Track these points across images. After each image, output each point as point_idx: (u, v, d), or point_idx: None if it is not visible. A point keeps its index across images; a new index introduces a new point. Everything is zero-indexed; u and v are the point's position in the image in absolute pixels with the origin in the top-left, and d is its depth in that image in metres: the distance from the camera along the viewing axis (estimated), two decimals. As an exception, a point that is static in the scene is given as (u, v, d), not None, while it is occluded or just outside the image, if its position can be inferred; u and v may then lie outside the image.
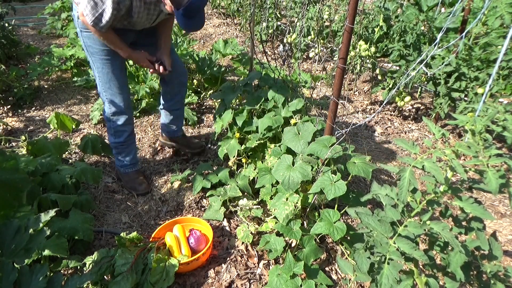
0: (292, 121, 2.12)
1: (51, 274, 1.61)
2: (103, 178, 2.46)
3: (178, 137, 2.66)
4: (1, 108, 3.29)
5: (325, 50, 4.12)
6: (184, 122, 2.75)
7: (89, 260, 1.65)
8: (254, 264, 1.88)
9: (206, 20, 6.03)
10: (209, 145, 2.81)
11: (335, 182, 1.65)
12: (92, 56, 1.98)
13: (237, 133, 2.31)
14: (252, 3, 2.78)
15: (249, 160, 2.33)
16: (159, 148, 2.82)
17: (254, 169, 2.22)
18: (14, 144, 2.76)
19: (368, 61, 3.31)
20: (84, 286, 1.50)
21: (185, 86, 2.49)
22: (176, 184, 2.42)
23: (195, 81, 3.48)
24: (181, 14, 1.68)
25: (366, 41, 3.33)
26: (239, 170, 2.37)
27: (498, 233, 2.09)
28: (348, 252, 1.82)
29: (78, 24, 1.89)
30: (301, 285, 1.60)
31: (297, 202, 1.81)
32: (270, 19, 4.61)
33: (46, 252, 1.50)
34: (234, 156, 2.28)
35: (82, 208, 2.02)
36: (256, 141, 2.21)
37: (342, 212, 1.74)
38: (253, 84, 2.54)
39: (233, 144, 2.29)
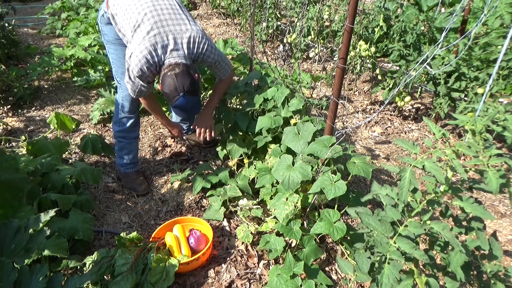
0: (292, 121, 2.12)
1: (51, 274, 1.61)
2: (103, 178, 2.46)
3: (191, 133, 2.79)
4: (1, 108, 3.29)
5: (325, 50, 4.12)
6: None
7: (89, 260, 1.65)
8: (254, 264, 1.88)
9: (206, 20, 6.03)
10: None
11: (335, 182, 1.64)
12: (108, 44, 2.16)
13: (240, 134, 2.31)
14: (252, 3, 2.78)
15: (250, 160, 2.33)
16: (159, 148, 2.82)
17: (254, 169, 2.22)
18: (14, 144, 2.75)
19: (368, 61, 3.31)
20: (84, 286, 1.50)
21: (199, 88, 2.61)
22: (176, 184, 2.42)
23: (195, 81, 3.48)
24: (172, 106, 1.95)
25: (366, 41, 3.33)
26: (239, 170, 2.37)
27: (498, 233, 2.09)
28: (348, 252, 1.82)
29: (101, 20, 2.12)
30: (301, 285, 1.60)
31: (297, 202, 1.81)
32: (270, 19, 4.61)
33: (46, 252, 1.50)
34: (237, 158, 2.28)
35: (82, 208, 2.02)
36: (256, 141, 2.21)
37: (342, 212, 1.74)
38: (253, 84, 2.54)
39: (236, 146, 2.29)
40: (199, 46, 1.94)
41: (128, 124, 2.26)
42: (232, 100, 2.87)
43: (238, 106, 2.86)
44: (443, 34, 1.34)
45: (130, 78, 1.93)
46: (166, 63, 1.87)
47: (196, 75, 1.93)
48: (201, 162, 2.63)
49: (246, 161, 2.31)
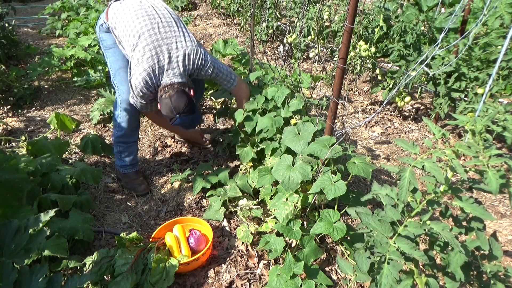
0: (292, 121, 2.12)
1: (51, 274, 1.61)
2: (103, 178, 2.46)
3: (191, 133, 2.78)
4: (1, 108, 3.29)
5: (325, 50, 4.12)
6: None
7: (89, 260, 1.65)
8: (254, 264, 1.88)
9: (206, 20, 6.03)
10: (210, 146, 2.81)
11: (335, 182, 1.64)
12: (106, 49, 2.18)
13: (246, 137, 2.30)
14: (252, 3, 2.78)
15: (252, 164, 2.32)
16: (159, 148, 2.82)
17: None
18: (14, 144, 2.76)
19: (368, 61, 3.31)
20: (84, 286, 1.50)
21: (201, 96, 2.69)
22: (176, 184, 2.42)
23: (195, 81, 3.48)
24: (172, 125, 2.02)
25: (366, 41, 3.33)
26: (240, 171, 2.37)
27: (498, 233, 2.09)
28: (348, 252, 1.82)
29: (99, 29, 2.15)
30: (301, 285, 1.60)
31: (297, 202, 1.81)
32: (270, 19, 4.61)
33: (46, 252, 1.50)
34: (247, 162, 2.26)
35: (82, 208, 2.02)
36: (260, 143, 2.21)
37: (342, 212, 1.74)
38: (253, 84, 2.53)
39: (247, 150, 2.27)
40: (194, 62, 1.97)
41: (127, 128, 2.24)
42: (232, 100, 2.87)
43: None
44: (442, 34, 1.34)
45: (133, 96, 2.01)
46: (162, 83, 1.92)
47: (192, 91, 1.97)
48: (201, 162, 2.63)
49: (249, 164, 2.30)
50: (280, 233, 1.81)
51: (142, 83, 1.91)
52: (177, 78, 1.91)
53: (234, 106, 2.87)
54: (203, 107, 3.41)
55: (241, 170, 2.38)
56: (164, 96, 1.89)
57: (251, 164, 2.31)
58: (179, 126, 2.02)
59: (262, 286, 1.76)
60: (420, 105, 3.47)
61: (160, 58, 1.90)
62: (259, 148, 2.23)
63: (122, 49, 2.08)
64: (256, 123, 2.19)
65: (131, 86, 1.96)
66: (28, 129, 3.05)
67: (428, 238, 1.28)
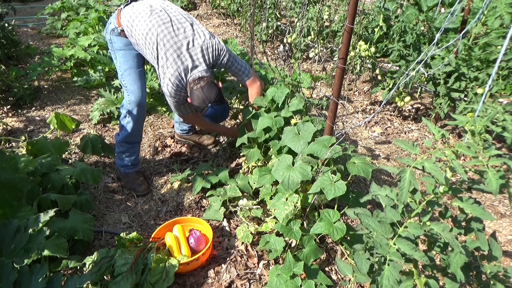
0: (293, 121, 2.12)
1: (51, 274, 1.61)
2: (103, 178, 2.46)
3: (192, 134, 2.80)
4: (1, 108, 3.29)
5: (325, 50, 4.12)
6: None
7: (89, 260, 1.65)
8: (254, 264, 1.88)
9: (206, 20, 6.03)
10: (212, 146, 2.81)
11: (335, 182, 1.64)
12: (116, 51, 2.22)
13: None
14: (252, 3, 2.78)
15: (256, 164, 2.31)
16: (159, 148, 2.82)
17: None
18: (14, 144, 2.75)
19: (368, 61, 3.31)
20: (84, 286, 1.50)
21: None
22: (176, 184, 2.42)
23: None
24: (203, 116, 2.06)
25: (366, 41, 3.33)
26: (240, 170, 2.37)
27: (497, 233, 2.09)
28: (348, 252, 1.82)
29: (111, 33, 2.18)
30: (301, 285, 1.60)
31: (297, 202, 1.81)
32: (270, 19, 4.61)
33: (46, 252, 1.50)
34: (253, 162, 2.26)
35: (82, 208, 2.02)
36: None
37: (342, 212, 1.74)
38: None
39: (253, 151, 2.26)
40: (213, 54, 2.04)
41: (134, 129, 2.24)
42: (232, 100, 2.87)
43: (239, 107, 2.86)
44: (438, 34, 1.34)
45: (172, 103, 2.12)
46: (190, 80, 1.99)
47: (220, 83, 2.05)
48: (201, 162, 2.63)
49: (253, 164, 2.29)
50: (280, 233, 1.81)
51: (173, 88, 1.99)
52: (202, 73, 1.99)
53: (235, 105, 2.87)
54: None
55: (242, 170, 2.38)
56: (195, 88, 1.97)
57: (254, 164, 2.30)
58: (209, 117, 2.06)
59: (262, 286, 1.76)
60: (420, 105, 3.47)
61: (183, 60, 1.97)
62: (264, 149, 2.23)
63: (144, 55, 2.12)
64: (263, 121, 2.18)
65: (166, 93, 2.03)
66: (28, 129, 3.05)
67: (427, 239, 1.28)
